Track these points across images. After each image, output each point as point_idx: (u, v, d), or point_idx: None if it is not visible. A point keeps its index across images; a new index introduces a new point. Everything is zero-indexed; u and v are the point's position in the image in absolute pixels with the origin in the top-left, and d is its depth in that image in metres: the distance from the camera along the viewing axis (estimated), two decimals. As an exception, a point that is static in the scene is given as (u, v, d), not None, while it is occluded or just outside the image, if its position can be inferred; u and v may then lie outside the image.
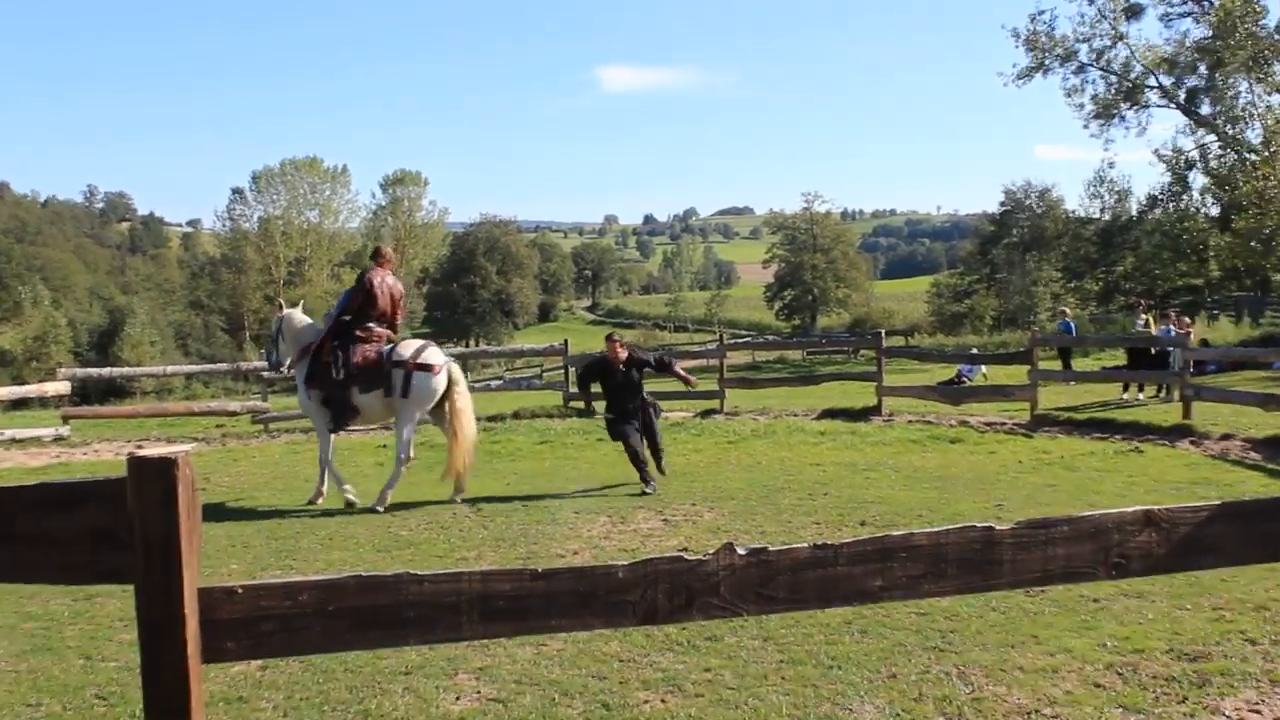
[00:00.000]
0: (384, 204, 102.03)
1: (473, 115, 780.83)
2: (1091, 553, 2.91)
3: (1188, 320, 24.97)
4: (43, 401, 31.99)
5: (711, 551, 2.64)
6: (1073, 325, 28.61)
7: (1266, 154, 42.13)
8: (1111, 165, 71.45)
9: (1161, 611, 7.19)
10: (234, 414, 23.16)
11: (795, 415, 20.46)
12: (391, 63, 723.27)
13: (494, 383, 30.86)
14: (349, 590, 2.49)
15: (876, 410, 20.04)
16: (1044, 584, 2.92)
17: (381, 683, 6.34)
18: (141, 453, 2.44)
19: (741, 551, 2.66)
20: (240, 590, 2.50)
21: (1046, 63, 47.85)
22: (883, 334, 23.62)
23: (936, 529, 2.77)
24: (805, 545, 2.70)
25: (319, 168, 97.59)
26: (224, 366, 30.21)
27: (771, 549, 2.67)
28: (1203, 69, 46.72)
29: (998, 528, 2.79)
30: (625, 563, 2.60)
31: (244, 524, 11.64)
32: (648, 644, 6.78)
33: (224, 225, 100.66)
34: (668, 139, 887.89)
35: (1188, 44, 46.74)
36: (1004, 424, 18.33)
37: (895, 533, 2.76)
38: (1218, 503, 3.06)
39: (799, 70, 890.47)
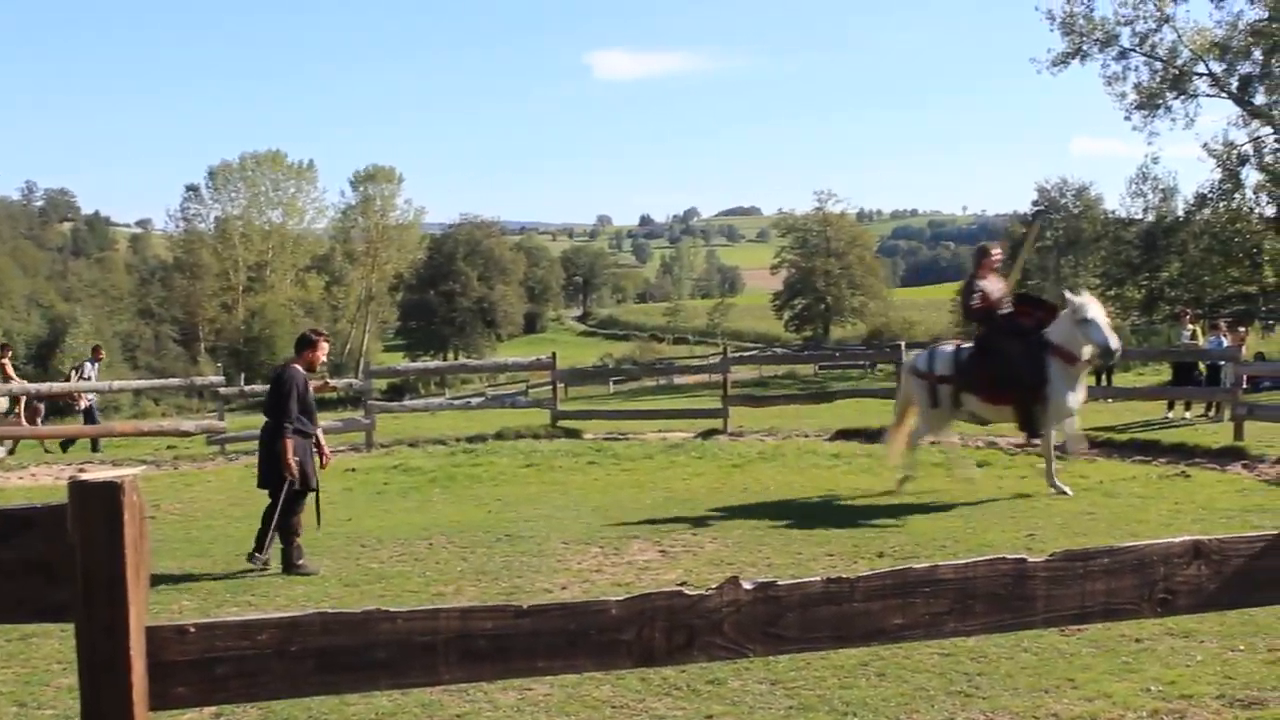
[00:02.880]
0: (354, 203, 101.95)
1: (450, 106, 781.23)
2: (1134, 587, 2.91)
3: (1241, 331, 25.02)
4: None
5: (715, 586, 2.64)
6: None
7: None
8: (1156, 161, 71.55)
9: (1211, 653, 7.19)
10: (187, 434, 23.15)
11: (806, 436, 20.46)
12: (360, 50, 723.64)
13: (475, 400, 30.88)
14: (313, 629, 2.48)
15: (896, 430, 20.00)
16: (1082, 622, 2.92)
17: (349, 731, 6.33)
18: (84, 477, 2.43)
19: (748, 586, 2.66)
20: (193, 629, 2.49)
21: (1085, 48, 47.89)
22: (903, 346, 23.60)
23: (963, 561, 2.77)
24: (818, 579, 2.70)
25: (282, 163, 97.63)
26: (176, 382, 30.23)
27: (781, 583, 2.67)
28: (1258, 54, 46.74)
29: (1030, 560, 2.79)
30: (619, 598, 2.60)
31: (198, 556, 11.63)
32: (643, 688, 6.77)
33: (177, 226, 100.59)
34: (666, 132, 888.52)
35: (1241, 26, 46.77)
36: (1036, 445, 18.30)
37: (917, 565, 2.76)
38: (1275, 533, 3.06)
39: (810, 58, 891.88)
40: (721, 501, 13.87)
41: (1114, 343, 13.47)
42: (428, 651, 2.53)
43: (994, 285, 14.32)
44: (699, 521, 12.52)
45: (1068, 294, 13.95)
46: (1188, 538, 2.96)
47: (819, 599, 2.69)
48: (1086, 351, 13.48)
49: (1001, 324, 14.03)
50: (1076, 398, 13.78)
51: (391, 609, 2.53)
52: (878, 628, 2.74)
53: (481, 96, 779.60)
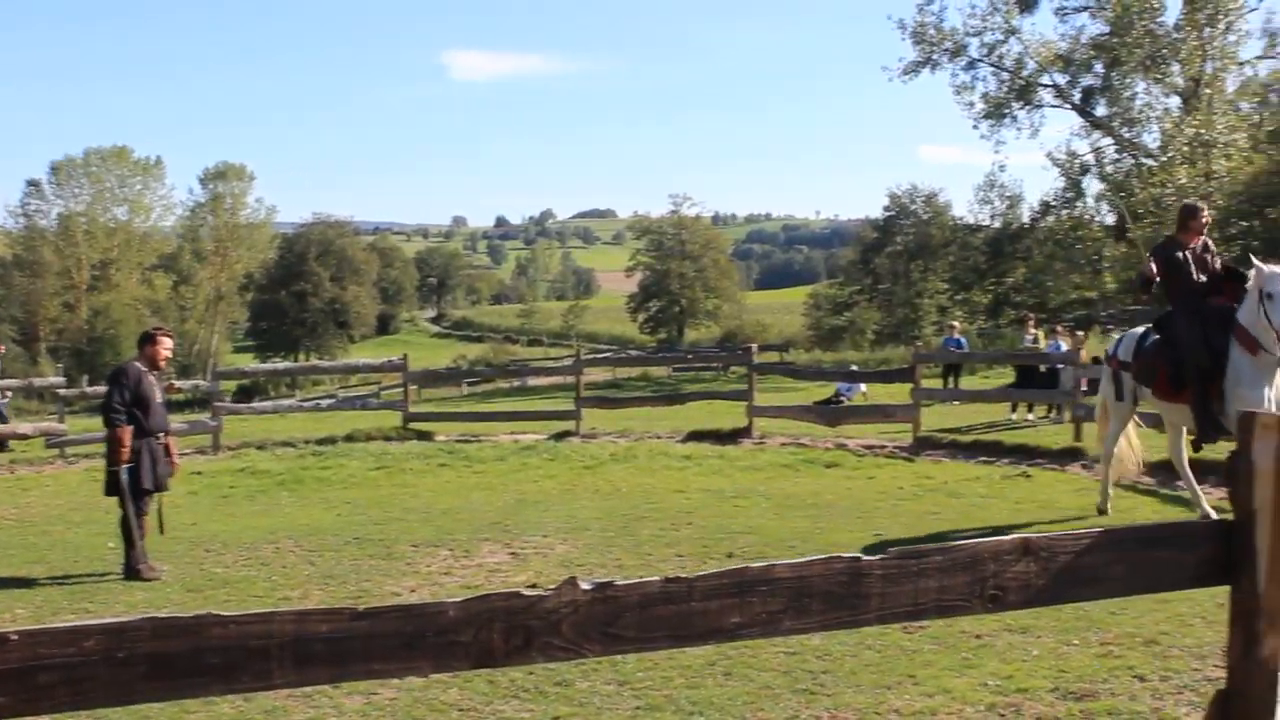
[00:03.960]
0: (203, 201, 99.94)
1: (304, 105, 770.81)
2: (966, 584, 2.98)
3: (1080, 335, 25.68)
4: None
5: (553, 587, 2.65)
6: (963, 341, 29.26)
7: (1163, 159, 43.58)
8: (1002, 169, 73.22)
9: (1047, 648, 7.38)
10: (25, 437, 22.49)
11: (658, 438, 20.57)
12: (214, 47, 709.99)
13: (325, 402, 30.50)
14: (142, 634, 2.43)
15: (747, 432, 20.24)
16: (915, 618, 2.98)
17: (188, 740, 6.22)
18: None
19: (586, 586, 2.66)
20: (14, 637, 2.42)
21: (935, 57, 48.86)
22: (754, 349, 23.85)
23: (799, 560, 2.81)
24: (656, 579, 2.72)
25: (128, 158, 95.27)
26: (14, 383, 29.32)
27: (619, 583, 2.68)
28: (1099, 67, 48.12)
29: (865, 559, 2.84)
30: (457, 600, 2.59)
31: (34, 563, 11.33)
32: (491, 691, 6.76)
33: (16, 222, 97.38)
34: (523, 134, 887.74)
35: (1083, 40, 48.12)
36: (884, 447, 18.65)
37: (754, 565, 2.79)
38: (1099, 531, 3.16)
39: (667, 62, 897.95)
40: (573, 503, 13.88)
41: None
42: (261, 655, 2.49)
43: (1197, 254, 11.58)
44: (550, 524, 12.51)
45: (1256, 262, 10.92)
46: (1017, 536, 3.04)
47: (657, 599, 2.71)
48: (1271, 340, 10.59)
49: (1187, 301, 11.46)
50: (1268, 396, 10.75)
51: (224, 613, 2.49)
52: (715, 627, 2.76)
53: (336, 95, 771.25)
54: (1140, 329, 12.50)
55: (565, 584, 2.66)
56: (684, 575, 2.73)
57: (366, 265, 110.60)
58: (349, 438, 20.76)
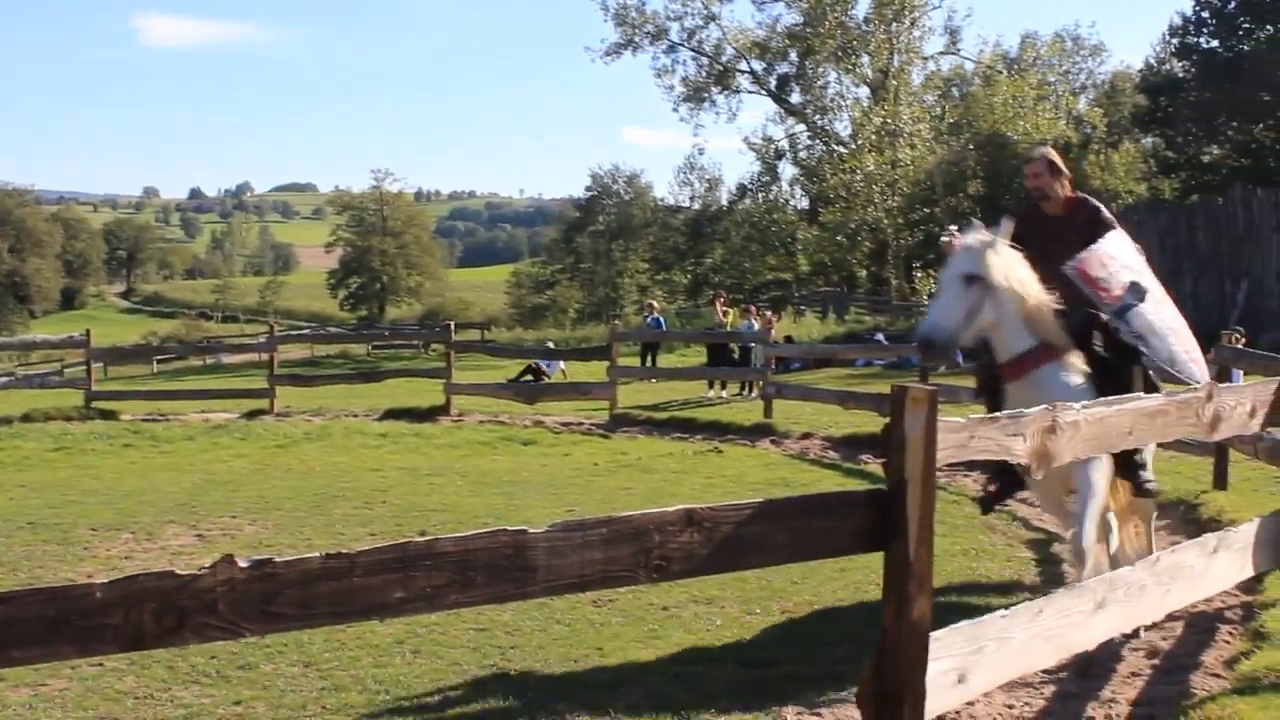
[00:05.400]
0: None
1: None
2: (631, 555, 3.04)
3: (769, 315, 26.49)
4: None
5: (208, 565, 2.58)
6: (662, 320, 29.80)
7: (853, 146, 45.31)
8: (702, 152, 74.99)
9: (731, 618, 7.60)
10: None
11: (355, 416, 20.30)
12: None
13: (1, 379, 29.01)
14: None
15: (445, 410, 20.16)
16: (581, 589, 3.03)
17: None
18: None
19: (243, 564, 2.61)
20: None
21: (636, 40, 49.60)
22: (452, 326, 23.77)
23: (464, 534, 2.82)
24: (317, 555, 2.69)
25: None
26: None
27: (278, 560, 2.64)
28: (794, 56, 49.72)
29: (530, 531, 2.87)
30: (105, 581, 2.50)
31: None
32: (170, 677, 6.56)
33: None
34: (219, 103, 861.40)
35: (779, 29, 49.58)
36: (581, 424, 18.85)
37: (418, 540, 2.79)
38: (759, 501, 3.27)
39: (375, 37, 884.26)
40: (264, 483, 13.56)
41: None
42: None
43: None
44: (239, 504, 12.19)
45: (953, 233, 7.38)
46: (681, 507, 3.12)
47: (318, 575, 2.68)
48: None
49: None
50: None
51: None
52: (378, 602, 2.75)
53: (17, 56, 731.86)
54: None
55: (221, 561, 2.61)
56: (345, 551, 2.71)
57: (49, 236, 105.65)
58: (25, 418, 19.73)
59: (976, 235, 6.83)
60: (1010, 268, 6.75)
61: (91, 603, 2.48)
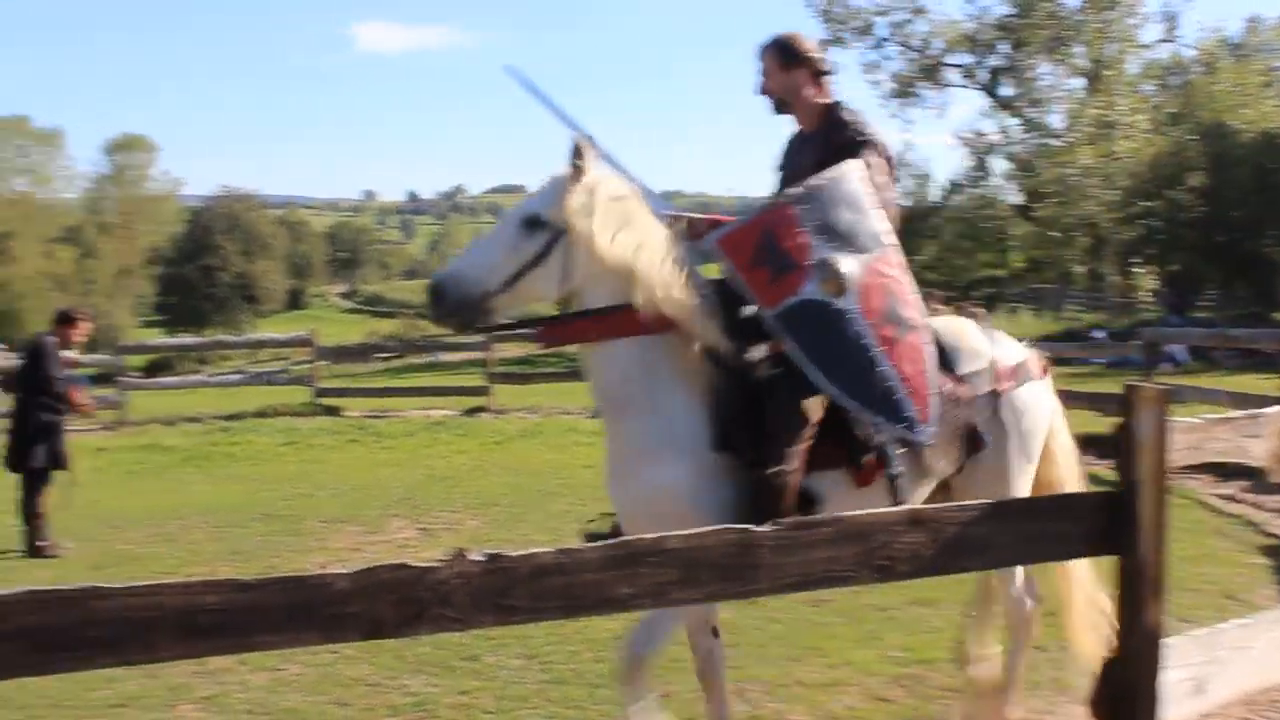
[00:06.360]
0: (107, 172, 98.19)
1: (211, 75, 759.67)
2: (855, 555, 3.01)
3: (981, 312, 26.00)
4: None
5: (443, 558, 2.64)
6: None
7: (1068, 139, 44.18)
8: (911, 148, 73.82)
9: (950, 620, 7.46)
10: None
11: (569, 413, 20.54)
12: (117, 17, 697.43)
13: (234, 377, 30.18)
14: (22, 607, 2.39)
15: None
16: (804, 588, 3.01)
17: (90, 718, 6.14)
18: None
19: (477, 558, 2.67)
20: (-107, 609, 2.39)
21: (842, 36, 49.10)
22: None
23: (690, 531, 2.83)
24: (549, 550, 2.73)
25: (27, 128, 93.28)
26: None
27: (510, 554, 2.69)
28: (1004, 48, 48.66)
29: (756, 530, 2.86)
30: (347, 571, 2.58)
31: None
32: (398, 666, 6.74)
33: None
34: (434, 107, 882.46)
35: (989, 21, 48.60)
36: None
37: (645, 536, 2.80)
38: (985, 503, 3.21)
39: (580, 35, 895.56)
40: (483, 479, 13.84)
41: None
42: (146, 628, 2.46)
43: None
44: (459, 499, 12.46)
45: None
46: (906, 508, 3.08)
47: (549, 569, 2.72)
48: None
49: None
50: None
51: (108, 585, 2.46)
52: (606, 597, 2.78)
53: (242, 66, 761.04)
54: None
55: (456, 555, 2.66)
56: (575, 546, 2.74)
57: (275, 239, 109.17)
58: (258, 414, 20.51)
59: (580, 162, 4.78)
60: (611, 211, 4.71)
61: (334, 592, 2.57)
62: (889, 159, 5.26)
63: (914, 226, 56.93)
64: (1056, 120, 47.75)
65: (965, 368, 5.18)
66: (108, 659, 2.49)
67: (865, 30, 48.98)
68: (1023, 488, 5.31)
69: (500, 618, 2.72)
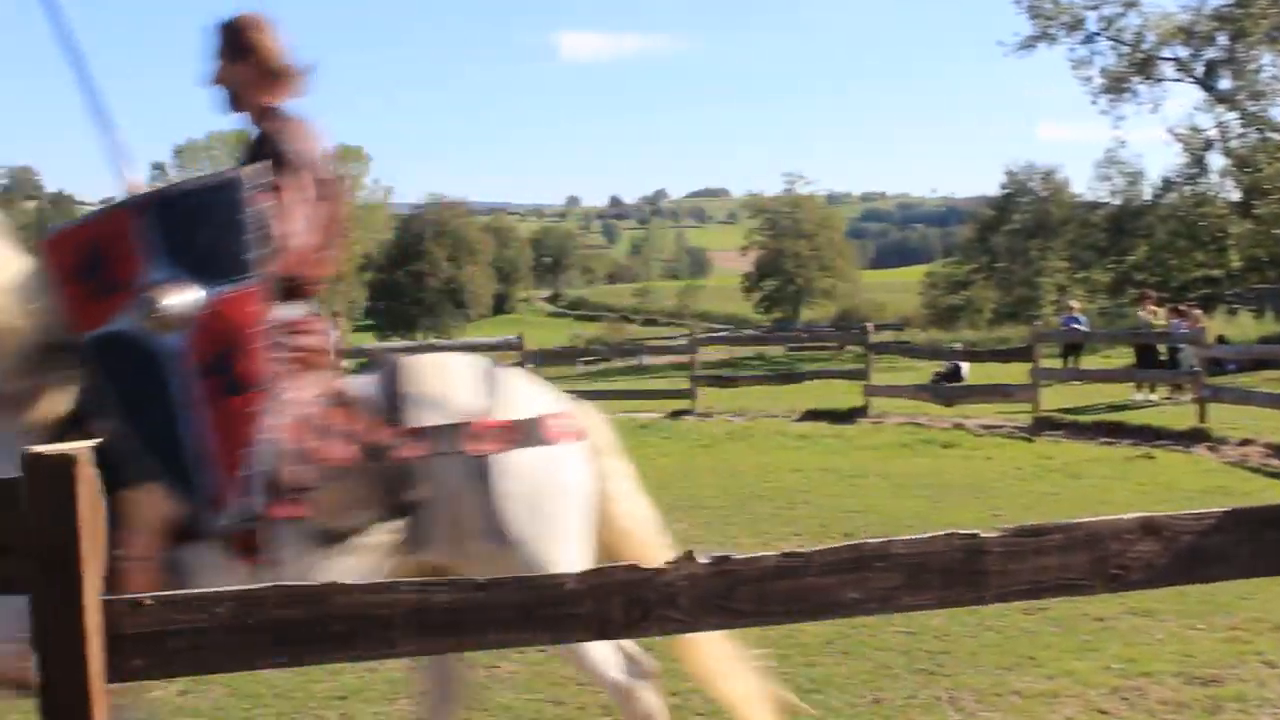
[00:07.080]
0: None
1: (418, 86, 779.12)
2: (1087, 563, 2.93)
3: (1198, 313, 25.15)
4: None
5: (670, 560, 2.66)
6: (1082, 319, 28.79)
7: (1292, 133, 42.52)
8: (1123, 144, 71.78)
9: (1171, 632, 7.25)
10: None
11: (774, 417, 20.52)
12: (324, 30, 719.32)
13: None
14: (269, 602, 2.49)
15: (863, 411, 20.12)
16: (1035, 596, 2.94)
17: (314, 709, 6.34)
18: (38, 449, 2.43)
19: (703, 560, 2.67)
20: (149, 602, 2.50)
21: (1051, 31, 48.03)
22: (870, 328, 23.66)
23: (917, 536, 2.79)
24: (773, 554, 2.72)
25: (246, 140, 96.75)
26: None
27: (736, 557, 2.69)
28: (1222, 40, 46.99)
29: (984, 535, 2.81)
30: (575, 572, 2.62)
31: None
32: (609, 666, 6.80)
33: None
34: (635, 113, 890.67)
35: (1205, 12, 47.01)
36: (1003, 427, 18.41)
37: (872, 540, 2.78)
38: (1223, 510, 3.09)
39: (777, 39, 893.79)
40: (690, 481, 13.87)
41: None
42: (383, 624, 2.54)
43: None
44: (668, 501, 12.47)
45: None
46: (1138, 515, 2.99)
47: (774, 573, 2.71)
48: None
49: None
50: None
51: (349, 582, 2.55)
52: (833, 601, 2.76)
53: (448, 76, 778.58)
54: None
55: (683, 557, 2.67)
56: (801, 550, 2.73)
57: (482, 245, 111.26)
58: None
59: None
60: None
61: (563, 592, 2.60)
62: (324, 180, 4.53)
63: (1126, 226, 55.59)
64: (1278, 114, 45.95)
65: (417, 419, 4.33)
66: (345, 653, 2.58)
67: (1075, 25, 47.79)
68: (561, 563, 4.39)
69: (725, 620, 2.72)
